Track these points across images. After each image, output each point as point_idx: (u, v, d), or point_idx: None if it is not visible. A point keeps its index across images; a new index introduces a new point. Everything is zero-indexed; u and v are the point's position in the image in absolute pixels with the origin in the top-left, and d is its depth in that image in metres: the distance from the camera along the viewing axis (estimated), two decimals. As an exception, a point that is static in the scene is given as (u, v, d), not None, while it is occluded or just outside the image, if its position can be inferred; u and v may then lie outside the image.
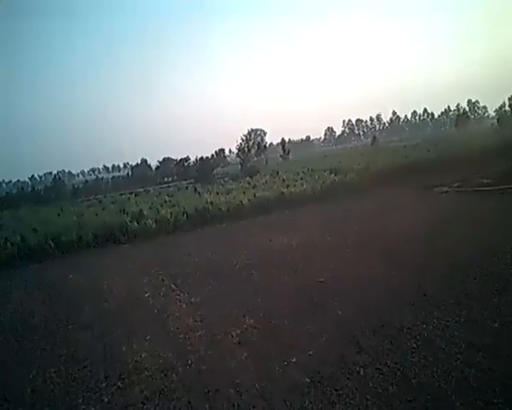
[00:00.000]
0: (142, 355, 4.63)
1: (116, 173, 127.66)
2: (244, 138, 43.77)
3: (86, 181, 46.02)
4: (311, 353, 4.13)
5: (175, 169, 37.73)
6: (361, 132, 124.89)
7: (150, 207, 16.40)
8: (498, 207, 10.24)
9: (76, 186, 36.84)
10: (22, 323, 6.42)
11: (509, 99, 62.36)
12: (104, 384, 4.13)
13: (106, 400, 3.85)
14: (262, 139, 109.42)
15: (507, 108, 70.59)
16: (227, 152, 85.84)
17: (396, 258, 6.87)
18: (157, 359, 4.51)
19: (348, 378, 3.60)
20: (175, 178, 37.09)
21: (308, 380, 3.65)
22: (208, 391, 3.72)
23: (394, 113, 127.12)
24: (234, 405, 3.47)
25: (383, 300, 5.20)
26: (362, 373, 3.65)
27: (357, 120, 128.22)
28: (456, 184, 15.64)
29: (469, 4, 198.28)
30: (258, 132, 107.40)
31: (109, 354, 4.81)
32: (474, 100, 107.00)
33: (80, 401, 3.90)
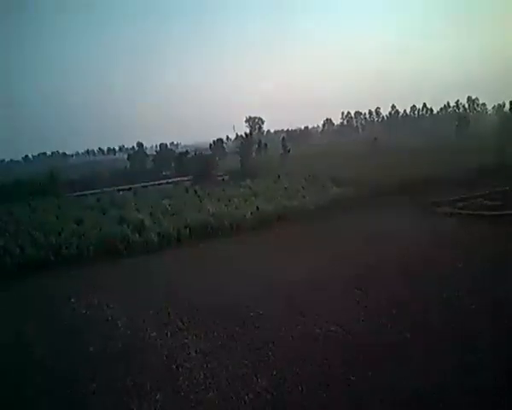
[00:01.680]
0: None
1: (111, 156, 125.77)
2: (245, 135, 42.63)
3: (78, 164, 45.06)
4: None
5: (173, 163, 37.29)
6: (359, 126, 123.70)
7: (151, 215, 16.21)
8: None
9: (72, 178, 36.18)
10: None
11: (511, 102, 62.40)
12: None
13: None
14: (260, 127, 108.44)
15: (506, 109, 70.43)
16: (224, 139, 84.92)
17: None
18: None
19: None
20: (173, 171, 36.69)
21: None
22: None
23: (393, 107, 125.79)
24: None
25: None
26: None
27: (356, 113, 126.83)
28: (460, 204, 15.61)
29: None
30: (257, 121, 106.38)
31: None
32: (473, 97, 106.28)
33: None
